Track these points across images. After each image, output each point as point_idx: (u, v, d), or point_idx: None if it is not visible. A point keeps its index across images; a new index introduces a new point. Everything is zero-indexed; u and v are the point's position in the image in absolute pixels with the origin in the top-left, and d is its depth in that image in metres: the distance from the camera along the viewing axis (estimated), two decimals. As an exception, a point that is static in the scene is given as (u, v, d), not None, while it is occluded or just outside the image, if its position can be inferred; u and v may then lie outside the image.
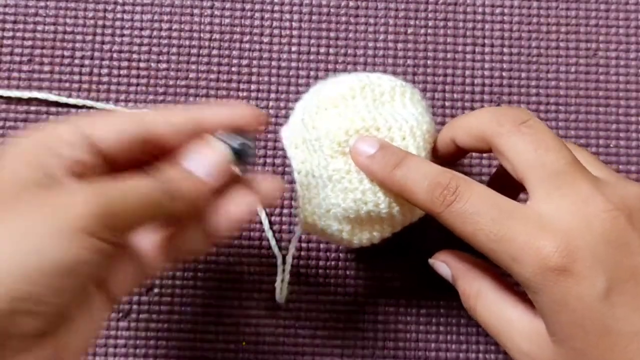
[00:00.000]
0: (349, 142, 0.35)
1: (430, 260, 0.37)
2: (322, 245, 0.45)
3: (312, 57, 0.46)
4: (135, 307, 0.44)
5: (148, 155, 0.32)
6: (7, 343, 0.24)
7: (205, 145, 0.31)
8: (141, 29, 0.47)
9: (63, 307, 0.26)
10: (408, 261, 0.45)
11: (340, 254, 0.45)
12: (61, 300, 0.26)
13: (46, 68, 0.46)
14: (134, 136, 0.31)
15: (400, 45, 0.47)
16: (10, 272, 0.24)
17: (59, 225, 0.25)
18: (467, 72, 0.46)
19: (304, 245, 0.45)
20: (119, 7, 0.47)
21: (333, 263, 0.45)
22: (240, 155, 0.32)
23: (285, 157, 0.45)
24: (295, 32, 0.47)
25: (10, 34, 0.46)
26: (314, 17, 0.47)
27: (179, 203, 0.30)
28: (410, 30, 0.47)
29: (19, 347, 0.25)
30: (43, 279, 0.24)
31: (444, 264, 0.37)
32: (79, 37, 0.46)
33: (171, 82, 0.46)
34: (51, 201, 0.26)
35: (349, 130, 0.35)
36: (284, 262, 0.44)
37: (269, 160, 0.46)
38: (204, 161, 0.31)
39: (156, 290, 0.44)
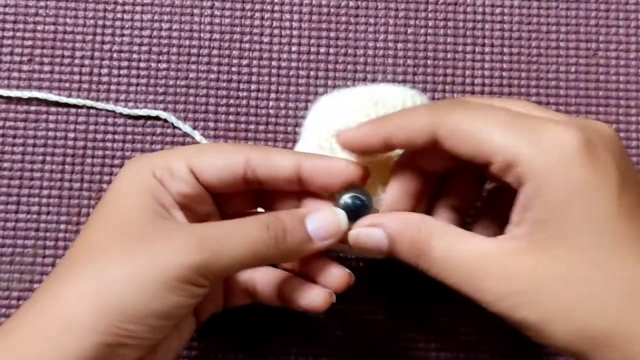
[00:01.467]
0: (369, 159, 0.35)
1: (354, 232, 0.32)
2: (322, 245, 0.45)
3: (312, 57, 0.46)
4: (135, 307, 0.44)
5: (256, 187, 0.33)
6: None
7: (329, 209, 0.32)
8: (141, 28, 0.47)
9: (159, 340, 0.29)
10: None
11: (340, 254, 0.45)
12: (158, 336, 0.28)
13: (46, 68, 0.46)
14: (237, 175, 0.31)
15: (400, 45, 0.47)
16: (117, 311, 0.27)
17: (162, 275, 0.27)
18: (467, 72, 0.47)
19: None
20: (119, 7, 0.47)
21: (333, 263, 0.45)
22: (357, 215, 0.32)
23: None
24: (295, 32, 0.47)
25: (10, 33, 0.46)
26: (314, 17, 0.47)
27: (280, 256, 0.31)
28: (410, 30, 0.47)
29: None
30: (144, 320, 0.27)
31: (374, 229, 0.32)
32: (79, 37, 0.46)
33: (171, 82, 0.46)
34: (159, 248, 0.28)
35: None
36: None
37: (269, 160, 0.46)
38: (324, 225, 0.31)
39: (156, 290, 0.44)
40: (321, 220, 0.31)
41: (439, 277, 0.30)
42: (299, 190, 0.33)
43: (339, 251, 0.44)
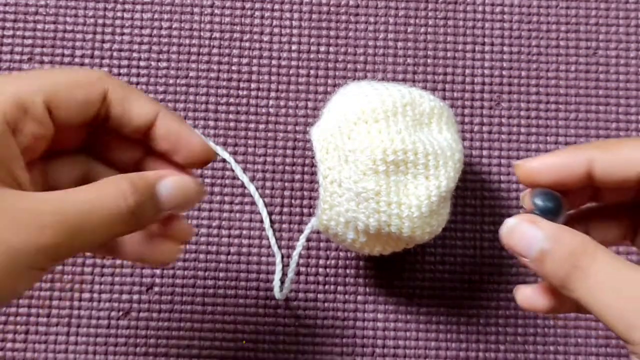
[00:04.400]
0: (387, 159, 0.35)
1: (512, 222, 0.29)
2: (322, 244, 0.45)
3: (312, 55, 0.46)
4: (135, 306, 0.44)
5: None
6: None
7: (181, 176, 0.30)
8: (141, 27, 0.47)
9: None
10: (408, 261, 0.45)
11: (341, 253, 0.45)
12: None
13: (46, 67, 0.46)
14: (93, 112, 0.28)
15: (400, 44, 0.47)
16: None
17: (10, 265, 0.24)
18: (467, 71, 0.47)
19: (304, 243, 0.44)
20: (119, 6, 0.47)
21: (333, 262, 0.45)
22: (552, 214, 0.30)
23: (295, 148, 0.45)
24: (295, 31, 0.47)
25: (11, 32, 0.46)
26: (314, 16, 0.47)
27: (140, 225, 0.29)
28: (410, 29, 0.47)
29: None
30: None
31: (531, 226, 0.28)
32: (79, 36, 0.46)
33: (171, 81, 0.46)
34: (6, 230, 0.24)
35: (387, 150, 0.34)
36: (282, 261, 0.44)
37: (269, 158, 0.46)
38: (172, 190, 0.29)
39: (156, 289, 0.44)
40: (171, 187, 0.29)
41: (586, 295, 0.27)
42: (141, 146, 0.31)
43: (334, 241, 0.44)
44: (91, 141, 0.31)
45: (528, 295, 0.31)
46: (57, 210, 0.25)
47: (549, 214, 0.29)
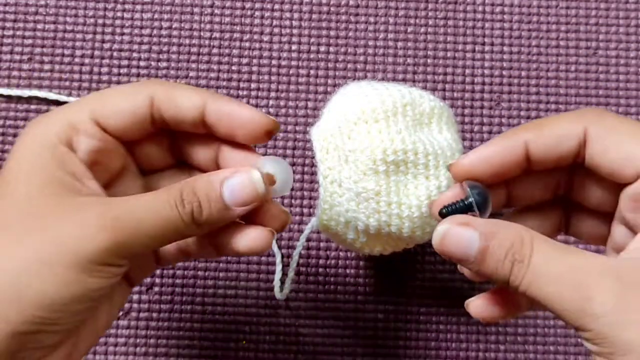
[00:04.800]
0: (387, 159, 0.35)
1: (442, 229, 0.28)
2: (322, 244, 0.45)
3: (312, 55, 0.46)
4: (135, 306, 0.44)
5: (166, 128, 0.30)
6: (24, 354, 0.26)
7: (245, 173, 0.29)
8: (141, 27, 0.47)
9: (79, 322, 0.28)
10: (408, 260, 0.45)
11: (341, 253, 0.45)
12: (78, 318, 0.27)
13: (46, 67, 0.46)
14: (144, 118, 0.29)
15: (400, 44, 0.47)
16: (28, 299, 0.25)
17: (74, 259, 0.25)
18: (467, 71, 0.47)
19: (304, 243, 0.44)
20: (119, 6, 0.47)
21: (333, 262, 0.45)
22: (479, 206, 0.29)
23: (295, 148, 0.45)
24: (295, 31, 0.47)
25: (11, 32, 0.46)
26: (314, 16, 0.47)
27: (199, 231, 0.29)
28: (410, 29, 0.47)
29: (38, 356, 0.26)
30: (59, 306, 0.25)
31: (464, 228, 0.28)
32: (79, 36, 0.46)
33: (171, 81, 0.46)
34: (70, 230, 0.26)
35: (387, 150, 0.34)
36: (282, 261, 0.44)
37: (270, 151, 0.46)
38: (241, 191, 0.29)
39: (156, 289, 0.44)
40: (238, 186, 0.29)
41: (532, 287, 0.26)
42: (216, 139, 0.31)
43: (334, 241, 0.44)
44: (178, 152, 0.32)
45: (480, 306, 0.31)
46: (116, 211, 0.26)
47: (484, 207, 0.29)
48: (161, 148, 0.32)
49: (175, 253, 0.33)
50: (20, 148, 0.28)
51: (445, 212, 0.30)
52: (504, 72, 0.47)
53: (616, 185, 0.28)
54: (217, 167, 0.31)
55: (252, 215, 0.31)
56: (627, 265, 0.26)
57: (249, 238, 0.30)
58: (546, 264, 0.26)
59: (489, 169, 0.29)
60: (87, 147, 0.28)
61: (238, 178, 0.29)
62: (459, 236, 0.28)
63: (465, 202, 0.29)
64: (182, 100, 0.29)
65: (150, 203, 0.27)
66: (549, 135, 0.29)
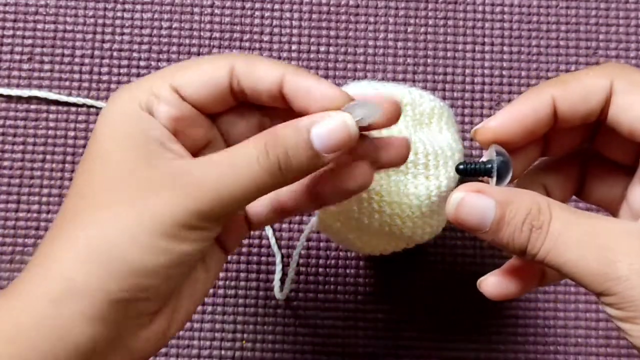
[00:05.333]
0: None
1: (457, 196, 0.27)
2: (322, 244, 0.45)
3: (312, 55, 0.46)
4: (135, 305, 0.44)
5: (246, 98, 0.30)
6: (128, 323, 0.26)
7: (334, 114, 0.27)
8: (141, 27, 0.47)
9: (175, 288, 0.28)
10: (408, 260, 0.45)
11: (341, 253, 0.45)
12: (174, 284, 0.27)
13: (46, 66, 0.46)
14: (223, 87, 0.28)
15: (400, 44, 0.47)
16: (125, 267, 0.25)
17: (164, 225, 0.26)
18: (467, 71, 0.47)
19: (304, 243, 0.44)
20: (119, 6, 0.47)
21: (333, 262, 0.45)
22: (499, 174, 0.28)
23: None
24: (295, 31, 0.47)
25: (11, 32, 0.46)
26: (314, 16, 0.47)
27: (287, 181, 0.28)
28: (410, 29, 0.47)
29: (138, 324, 0.27)
30: (155, 272, 0.26)
31: (479, 196, 0.27)
32: (79, 36, 0.46)
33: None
34: (156, 197, 0.26)
35: None
36: (282, 261, 0.44)
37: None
38: (332, 134, 0.27)
39: (156, 288, 0.44)
40: (327, 129, 0.27)
41: (551, 254, 0.26)
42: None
43: (334, 240, 0.44)
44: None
45: (494, 284, 0.31)
46: (200, 173, 0.26)
47: (504, 176, 0.28)
48: (247, 123, 0.31)
49: (267, 213, 0.32)
50: (106, 118, 0.28)
51: (462, 169, 0.29)
52: (504, 72, 0.47)
53: (637, 145, 0.28)
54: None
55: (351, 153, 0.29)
56: None
57: (356, 175, 0.29)
58: (566, 230, 0.25)
59: (519, 129, 0.28)
60: (167, 114, 0.28)
61: (329, 123, 0.27)
62: (474, 204, 0.27)
63: (486, 166, 0.28)
64: (261, 72, 0.28)
65: (232, 159, 0.27)
66: (575, 91, 0.28)
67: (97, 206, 0.26)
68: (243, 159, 0.26)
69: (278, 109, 0.29)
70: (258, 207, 0.32)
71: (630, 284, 0.24)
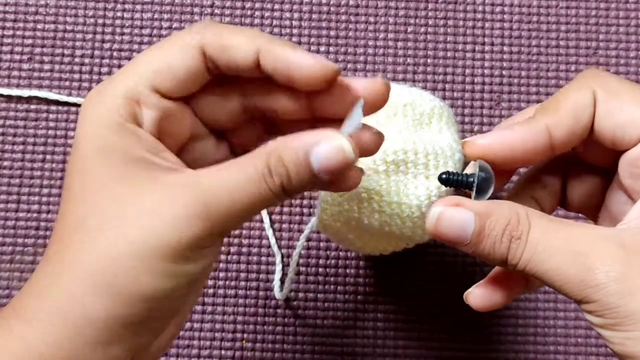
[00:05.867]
0: (387, 159, 0.34)
1: (436, 211, 0.27)
2: (322, 244, 0.45)
3: (312, 55, 0.46)
4: (135, 305, 0.44)
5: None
6: (143, 340, 0.26)
7: (334, 141, 0.26)
8: (141, 27, 0.47)
9: (185, 300, 0.27)
10: (408, 260, 0.45)
11: (341, 253, 0.45)
12: (183, 299, 0.27)
13: (46, 66, 0.46)
14: (201, 72, 0.27)
15: (400, 44, 0.47)
16: (135, 294, 0.25)
17: (172, 251, 0.25)
18: (467, 71, 0.47)
19: (303, 243, 0.44)
20: (119, 6, 0.47)
21: (333, 262, 0.45)
22: (479, 189, 0.28)
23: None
24: (295, 31, 0.47)
25: (11, 32, 0.46)
26: (314, 16, 0.47)
27: (288, 198, 0.27)
28: (410, 29, 0.47)
29: (148, 341, 0.26)
30: (165, 296, 0.25)
31: (457, 209, 0.27)
32: (79, 36, 0.46)
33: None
34: (161, 222, 0.25)
35: (387, 150, 0.34)
36: (282, 261, 0.44)
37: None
38: (330, 160, 0.26)
39: (156, 288, 0.44)
40: (326, 155, 0.26)
41: (531, 263, 0.26)
42: (309, 117, 0.29)
43: (334, 241, 0.44)
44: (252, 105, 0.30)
45: (480, 295, 0.31)
46: (203, 195, 0.25)
47: (484, 191, 0.28)
48: (229, 103, 0.30)
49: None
50: (86, 133, 0.26)
51: (445, 179, 0.29)
52: (504, 72, 0.47)
53: (617, 152, 0.28)
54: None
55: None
56: (629, 234, 0.25)
57: (345, 178, 0.29)
58: (544, 238, 0.26)
59: (510, 155, 0.28)
60: (152, 118, 0.27)
61: (326, 146, 0.26)
62: (454, 218, 0.27)
63: (468, 179, 0.29)
64: (235, 47, 0.27)
65: (239, 181, 0.26)
66: (568, 116, 0.28)
67: (95, 227, 0.25)
68: (251, 181, 0.26)
69: (256, 81, 0.29)
70: None
71: (608, 291, 0.24)
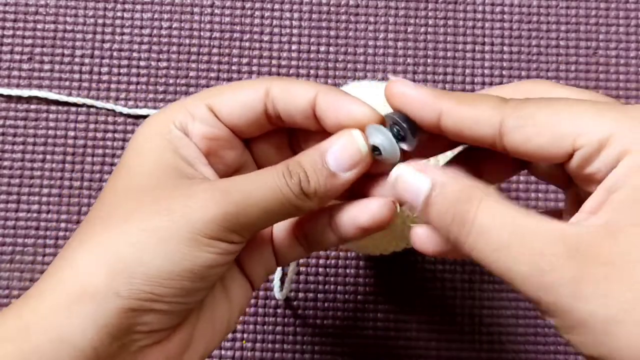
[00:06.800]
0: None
1: (396, 172, 0.27)
2: (322, 244, 0.45)
3: (312, 55, 0.46)
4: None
5: (280, 124, 0.30)
6: (136, 336, 0.25)
7: (344, 136, 0.28)
8: (141, 27, 0.47)
9: (193, 304, 0.27)
10: (408, 260, 0.45)
11: (341, 253, 0.45)
12: (189, 299, 0.26)
13: (46, 66, 0.46)
14: (258, 110, 0.29)
15: (400, 44, 0.47)
16: (139, 274, 0.25)
17: (186, 231, 0.25)
18: (467, 71, 0.47)
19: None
20: (119, 6, 0.47)
21: (333, 262, 0.45)
22: (398, 140, 0.28)
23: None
24: (295, 31, 0.47)
25: (11, 32, 0.46)
26: (314, 16, 0.47)
27: (311, 203, 0.28)
28: (410, 28, 0.47)
29: (148, 339, 0.26)
30: (170, 281, 0.25)
31: (418, 174, 0.26)
32: (79, 36, 0.46)
33: (171, 81, 0.46)
34: (180, 204, 0.26)
35: None
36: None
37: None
38: (345, 154, 0.28)
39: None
40: (340, 151, 0.28)
41: (476, 251, 0.25)
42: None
43: (342, 246, 0.44)
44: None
45: (420, 235, 0.29)
46: (225, 185, 0.27)
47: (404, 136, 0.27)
48: (279, 150, 0.31)
49: (294, 243, 0.31)
50: (138, 136, 0.28)
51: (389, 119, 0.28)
52: (504, 72, 0.47)
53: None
54: None
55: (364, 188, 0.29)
56: (583, 233, 0.23)
57: (369, 209, 0.29)
58: (493, 227, 0.24)
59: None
60: (201, 132, 0.28)
61: (339, 141, 0.28)
62: (410, 180, 0.26)
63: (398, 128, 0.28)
64: (296, 92, 0.28)
65: (258, 176, 0.27)
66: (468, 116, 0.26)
67: (117, 215, 0.26)
68: (269, 176, 0.27)
69: (309, 134, 0.30)
70: (281, 235, 0.32)
71: (563, 291, 0.23)
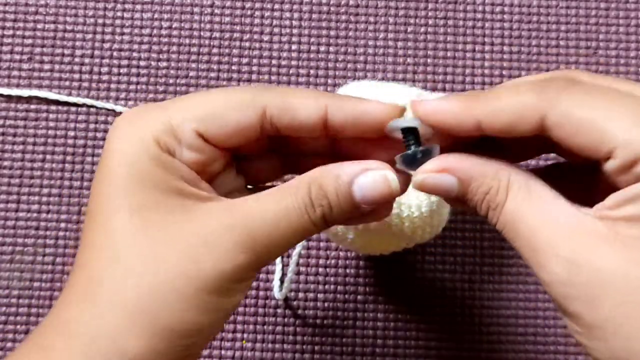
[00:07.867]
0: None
1: (419, 178, 0.26)
2: (322, 244, 0.45)
3: (312, 55, 0.46)
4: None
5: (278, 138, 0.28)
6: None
7: (378, 173, 0.26)
8: (141, 27, 0.47)
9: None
10: (408, 260, 0.45)
11: (340, 253, 0.45)
12: (213, 335, 0.27)
13: (46, 66, 0.46)
14: (253, 130, 0.26)
15: (400, 44, 0.47)
16: (175, 329, 0.24)
17: (214, 284, 0.24)
18: (467, 71, 0.47)
19: (303, 243, 0.45)
20: (119, 6, 0.47)
21: (333, 262, 0.45)
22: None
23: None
24: (295, 31, 0.47)
25: (11, 32, 0.46)
26: (314, 16, 0.47)
27: (331, 225, 0.27)
28: (410, 28, 0.47)
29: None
30: (200, 332, 0.25)
31: (443, 176, 0.26)
32: (79, 36, 0.46)
33: (171, 81, 0.46)
34: (204, 253, 0.24)
35: None
36: (282, 261, 0.44)
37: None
38: (374, 191, 0.26)
39: (156, 288, 0.44)
40: (371, 186, 0.26)
41: (505, 231, 0.25)
42: (328, 145, 0.28)
43: (333, 241, 0.44)
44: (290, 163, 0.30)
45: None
46: (251, 231, 0.25)
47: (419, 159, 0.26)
48: (271, 164, 0.30)
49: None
50: (119, 153, 0.25)
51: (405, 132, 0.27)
52: (504, 72, 0.47)
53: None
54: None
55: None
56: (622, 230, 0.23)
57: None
58: (520, 214, 0.24)
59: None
60: (190, 159, 0.26)
61: (370, 177, 0.26)
62: (437, 184, 0.26)
63: (420, 149, 0.27)
64: (299, 107, 0.26)
65: (280, 211, 0.25)
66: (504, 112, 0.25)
67: (129, 257, 0.24)
68: (293, 212, 0.25)
69: (304, 148, 0.29)
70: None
71: (584, 290, 0.23)
